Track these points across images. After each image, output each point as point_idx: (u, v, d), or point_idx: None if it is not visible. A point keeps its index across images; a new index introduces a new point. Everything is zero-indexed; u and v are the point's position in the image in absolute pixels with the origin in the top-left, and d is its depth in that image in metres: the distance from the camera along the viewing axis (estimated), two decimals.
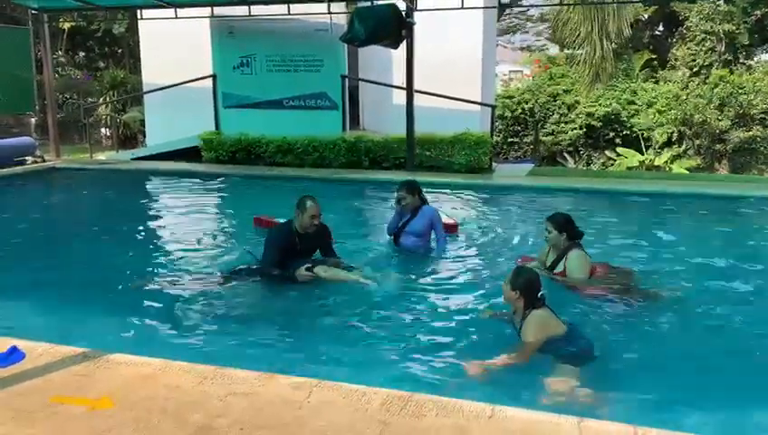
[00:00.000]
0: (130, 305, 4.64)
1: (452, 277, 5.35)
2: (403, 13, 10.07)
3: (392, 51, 10.98)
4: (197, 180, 10.61)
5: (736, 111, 17.69)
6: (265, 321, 4.47)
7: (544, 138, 19.67)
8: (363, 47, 11.04)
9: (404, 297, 4.77)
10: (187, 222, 7.68)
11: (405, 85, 10.76)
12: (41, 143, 13.49)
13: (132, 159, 12.93)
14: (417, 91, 10.68)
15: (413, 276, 5.27)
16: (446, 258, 5.81)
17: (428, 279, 5.28)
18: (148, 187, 10.59)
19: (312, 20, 11.75)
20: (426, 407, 2.82)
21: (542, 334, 3.66)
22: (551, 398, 3.24)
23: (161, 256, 6.25)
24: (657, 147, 18.50)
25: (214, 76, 12.29)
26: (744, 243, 6.80)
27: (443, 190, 9.11)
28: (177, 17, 12.37)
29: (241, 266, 5.28)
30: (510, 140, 20.18)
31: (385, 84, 12.35)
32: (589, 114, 19.04)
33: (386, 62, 12.48)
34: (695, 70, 19.29)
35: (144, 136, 16.58)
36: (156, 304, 4.67)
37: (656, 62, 20.64)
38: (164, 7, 12.24)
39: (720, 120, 17.67)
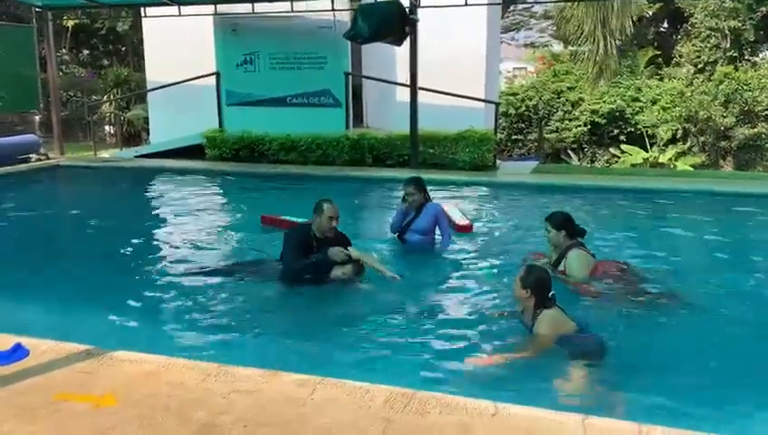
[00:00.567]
0: (133, 303, 4.65)
1: (457, 275, 5.34)
2: (407, 10, 10.05)
3: (396, 48, 10.96)
4: (201, 178, 10.61)
5: (741, 107, 17.63)
6: (269, 318, 4.47)
7: (548, 135, 19.63)
8: (367, 44, 11.02)
9: (409, 294, 4.75)
10: (191, 220, 7.68)
11: (408, 82, 10.74)
12: (45, 141, 13.50)
13: (136, 157, 12.93)
14: (420, 89, 10.65)
15: (418, 273, 5.26)
16: (452, 256, 5.80)
17: (433, 276, 5.28)
18: (151, 184, 10.59)
19: (316, 17, 11.72)
20: (429, 404, 2.81)
21: (554, 333, 3.67)
22: (556, 395, 3.23)
23: (164, 254, 6.25)
24: (661, 144, 18.45)
25: (217, 74, 12.29)
26: (750, 240, 6.76)
27: (447, 188, 9.09)
28: (180, 15, 12.39)
29: (247, 260, 5.25)
30: (514, 137, 20.15)
31: (389, 81, 12.33)
32: (593, 111, 19.00)
33: (389, 59, 12.45)
34: (699, 67, 19.22)
35: (148, 134, 16.60)
36: (159, 302, 4.68)
37: (660, 58, 20.59)
38: (168, 5, 12.26)
39: (725, 117, 17.61)
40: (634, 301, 4.56)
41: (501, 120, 16.89)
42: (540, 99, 19.78)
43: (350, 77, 11.98)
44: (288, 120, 11.69)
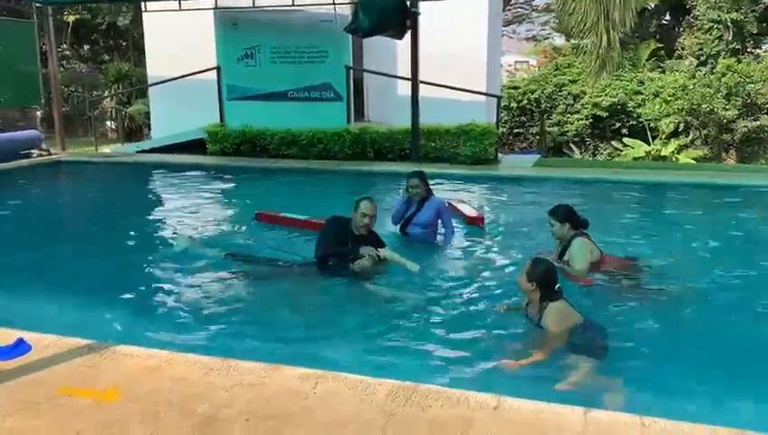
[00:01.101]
0: (136, 297, 4.66)
1: (460, 268, 5.34)
2: (407, 3, 10.02)
3: (397, 41, 10.93)
4: (202, 173, 10.61)
5: (744, 100, 17.54)
6: (271, 312, 4.47)
7: (550, 128, 19.56)
8: (368, 38, 11.00)
9: (411, 288, 4.75)
10: (192, 214, 7.68)
11: (410, 76, 10.72)
12: (46, 136, 13.49)
13: (137, 152, 12.94)
14: (422, 82, 10.63)
15: (421, 267, 5.25)
16: (454, 249, 5.80)
17: (436, 270, 5.27)
18: (153, 179, 10.59)
19: (317, 11, 11.70)
20: (431, 398, 2.81)
21: (564, 327, 3.68)
22: (559, 388, 3.22)
23: (166, 248, 6.26)
24: (663, 137, 18.36)
25: (218, 68, 12.26)
26: (753, 232, 6.75)
27: (448, 181, 9.07)
28: (181, 9, 12.35)
29: (249, 254, 5.26)
30: (516, 130, 20.09)
31: (390, 75, 12.30)
32: (595, 104, 18.92)
33: (390, 52, 12.42)
34: (702, 59, 19.13)
35: (149, 128, 16.60)
36: (161, 296, 4.69)
37: (662, 51, 20.48)
38: None
39: (727, 110, 17.52)
40: (637, 294, 4.56)
41: (502, 114, 16.83)
42: (542, 92, 19.70)
43: (352, 71, 11.96)
44: (289, 115, 11.67)
